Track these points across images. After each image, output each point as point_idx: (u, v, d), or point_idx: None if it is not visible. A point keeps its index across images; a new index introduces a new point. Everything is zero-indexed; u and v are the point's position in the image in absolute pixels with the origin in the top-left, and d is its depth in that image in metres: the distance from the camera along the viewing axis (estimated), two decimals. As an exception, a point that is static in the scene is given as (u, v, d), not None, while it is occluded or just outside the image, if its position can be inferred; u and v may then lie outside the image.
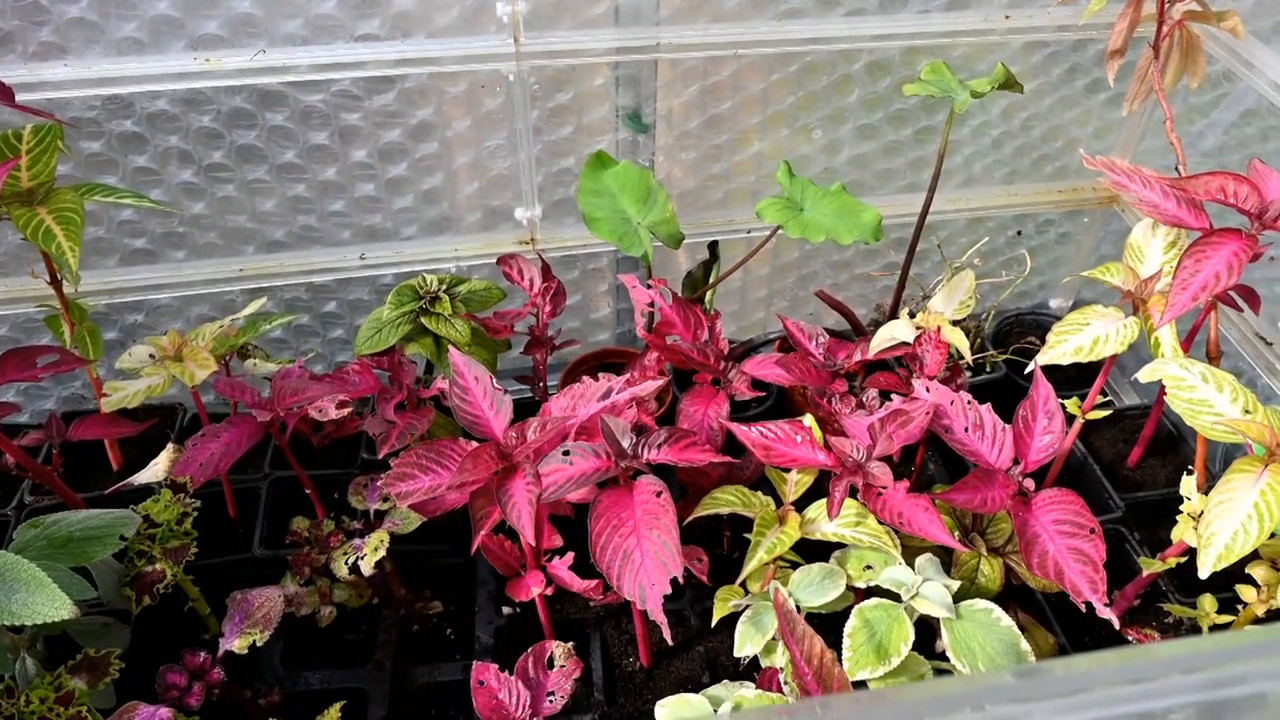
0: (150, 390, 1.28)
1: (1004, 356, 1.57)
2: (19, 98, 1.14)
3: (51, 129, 1.18)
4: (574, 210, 1.56)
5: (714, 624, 1.20)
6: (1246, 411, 1.03)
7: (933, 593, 1.08)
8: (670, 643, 1.03)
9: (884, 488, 1.11)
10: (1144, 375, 1.08)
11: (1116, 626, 1.01)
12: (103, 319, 1.54)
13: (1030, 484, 1.15)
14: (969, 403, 1.20)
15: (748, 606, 1.16)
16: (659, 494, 1.06)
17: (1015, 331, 1.67)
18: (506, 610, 1.37)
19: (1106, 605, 1.01)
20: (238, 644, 1.10)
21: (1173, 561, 1.15)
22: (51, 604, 0.93)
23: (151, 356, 1.34)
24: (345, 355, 1.67)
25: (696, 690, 1.28)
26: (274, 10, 1.30)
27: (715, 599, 1.23)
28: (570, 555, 1.21)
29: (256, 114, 1.40)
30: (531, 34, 1.30)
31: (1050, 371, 1.21)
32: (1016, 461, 1.16)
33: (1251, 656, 0.64)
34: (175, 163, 1.44)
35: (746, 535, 1.17)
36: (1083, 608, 1.03)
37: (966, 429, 1.19)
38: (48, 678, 1.06)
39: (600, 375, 1.21)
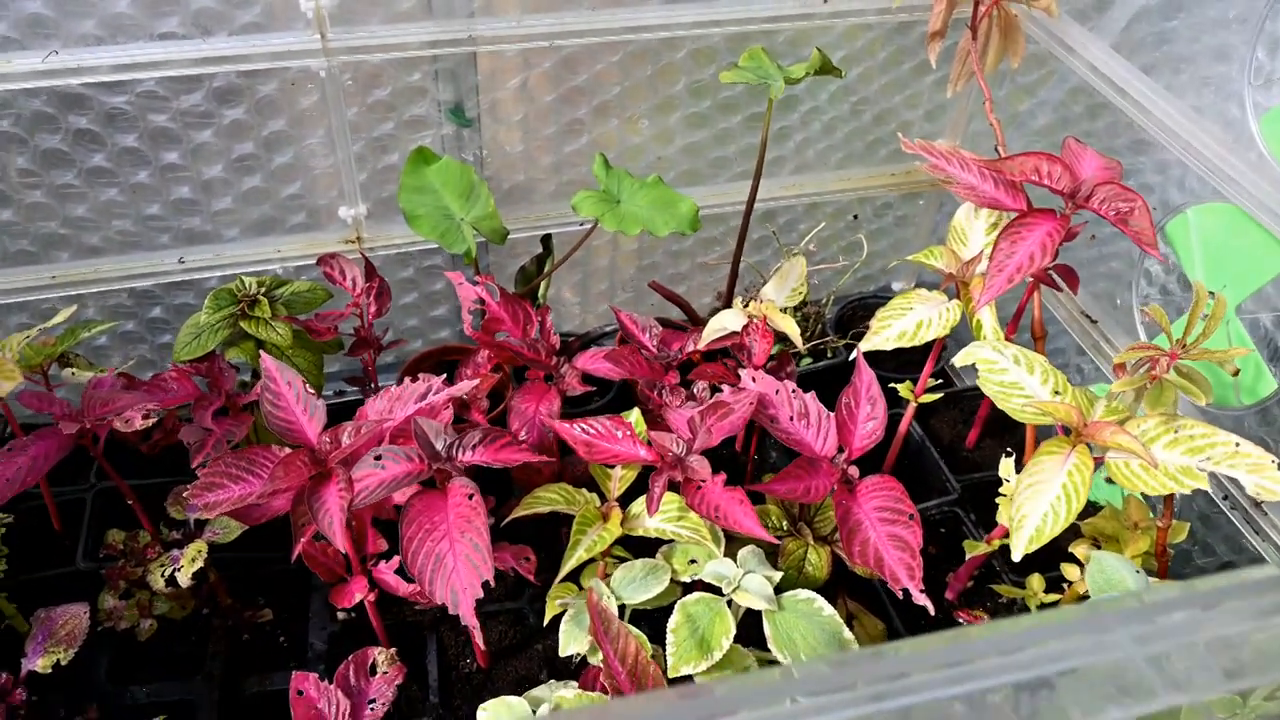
0: None
1: (844, 342, 1.49)
2: None
3: None
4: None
5: (547, 623, 1.10)
6: (1056, 393, 0.96)
7: (753, 585, 1.00)
8: (483, 647, 0.92)
9: (703, 481, 1.01)
10: (959, 359, 1.01)
11: (931, 612, 0.94)
12: None
13: (855, 471, 1.08)
14: (794, 392, 1.12)
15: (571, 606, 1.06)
16: (470, 496, 0.96)
17: (859, 315, 1.61)
18: (341, 615, 1.26)
19: (922, 591, 0.93)
20: (40, 663, 1.00)
21: (997, 544, 1.09)
22: None
23: None
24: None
25: (534, 686, 1.19)
26: (65, 10, 1.15)
27: (548, 598, 1.12)
28: (396, 559, 1.09)
29: (59, 117, 1.25)
30: (339, 29, 1.17)
31: (892, 356, 1.13)
32: (841, 449, 1.08)
33: (1065, 634, 0.60)
34: (-24, 168, 1.26)
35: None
36: (900, 594, 0.95)
37: (792, 418, 1.11)
38: None
39: (420, 376, 1.09)
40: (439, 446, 1.00)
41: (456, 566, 0.94)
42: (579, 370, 1.26)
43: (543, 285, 1.37)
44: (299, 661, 1.22)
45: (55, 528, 1.32)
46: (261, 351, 1.08)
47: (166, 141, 1.28)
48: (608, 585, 1.04)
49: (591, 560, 1.06)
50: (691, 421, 1.05)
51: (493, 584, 0.93)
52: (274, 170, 1.35)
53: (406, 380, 1.11)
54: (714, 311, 1.53)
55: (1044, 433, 1.39)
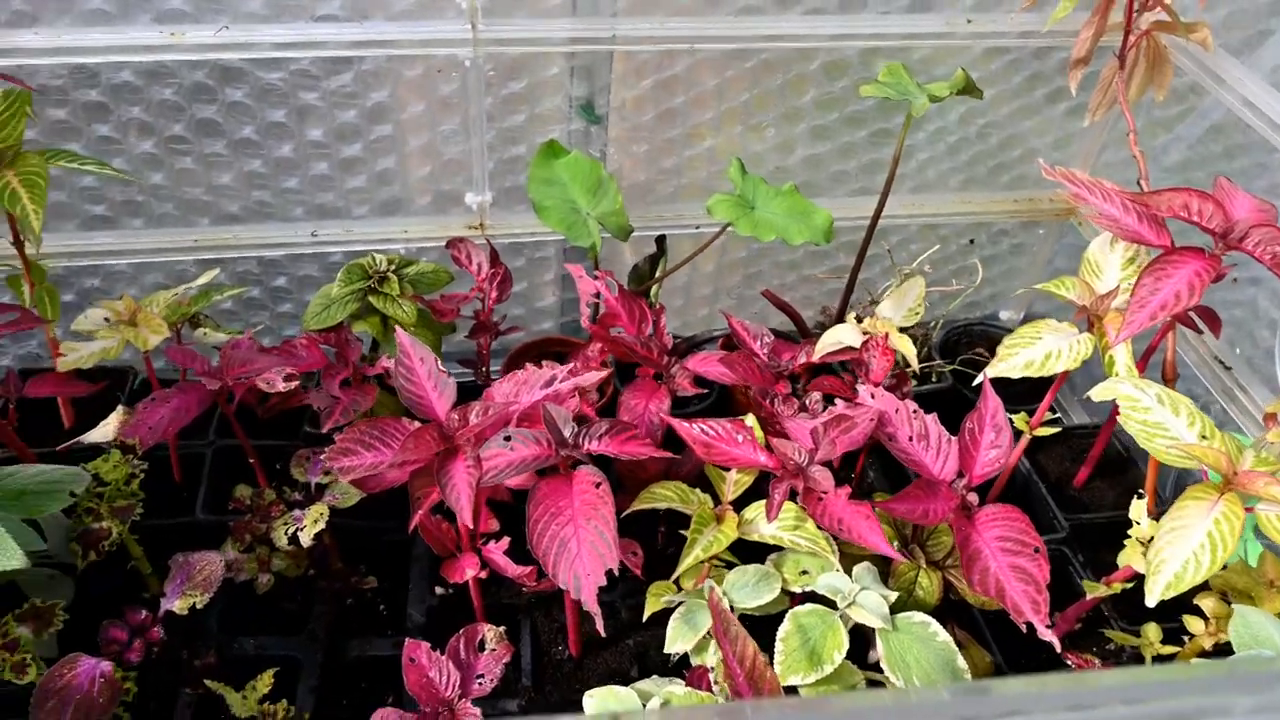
0: (105, 353, 1.20)
1: (951, 367, 1.46)
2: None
3: (20, 95, 1.11)
4: (524, 198, 1.44)
5: (645, 619, 1.09)
6: (1203, 437, 0.92)
7: (869, 602, 0.98)
8: (603, 634, 0.93)
9: (824, 492, 1.00)
10: (1097, 393, 0.97)
11: (1058, 649, 0.91)
12: (60, 281, 1.42)
13: (974, 498, 1.05)
14: (914, 412, 1.09)
15: (681, 603, 1.04)
16: (598, 485, 0.95)
17: (964, 342, 1.57)
18: (439, 590, 1.26)
19: (1048, 627, 0.90)
20: (178, 604, 1.02)
21: (1117, 587, 1.05)
22: (3, 553, 0.87)
23: (106, 320, 1.25)
24: (292, 329, 1.55)
25: (624, 683, 1.18)
26: (237, -14, 1.17)
27: (648, 594, 1.13)
28: (506, 540, 1.11)
29: (217, 89, 1.27)
30: (489, 20, 1.18)
31: (999, 385, 1.10)
32: (961, 474, 1.06)
33: (1197, 692, 0.56)
34: (136, 133, 1.32)
35: (682, 532, 1.07)
36: (1023, 628, 0.93)
37: (911, 438, 1.09)
38: None
39: (543, 363, 1.09)
40: (566, 433, 0.99)
41: (580, 552, 0.93)
42: (691, 371, 1.25)
43: (655, 285, 1.36)
44: (397, 630, 1.23)
45: (175, 479, 1.35)
46: (397, 326, 1.09)
47: (313, 119, 1.30)
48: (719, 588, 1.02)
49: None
50: (815, 432, 1.04)
51: (617, 572, 0.92)
52: (408, 153, 1.36)
53: (528, 366, 1.11)
54: (821, 325, 1.52)
55: (1163, 480, 1.34)
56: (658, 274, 1.37)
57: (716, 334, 1.44)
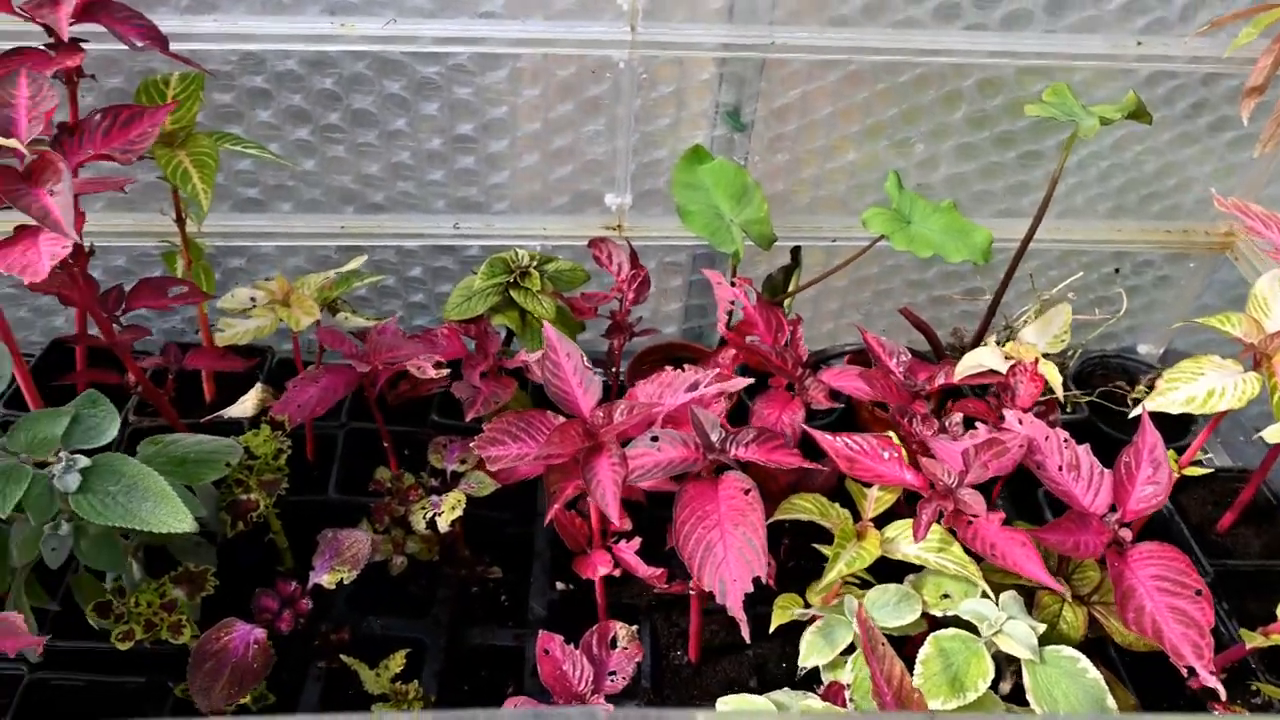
0: (258, 331, 1.24)
1: (1089, 398, 1.41)
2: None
3: (196, 78, 1.16)
4: (661, 201, 1.44)
5: (770, 631, 1.07)
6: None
7: (1017, 631, 0.95)
8: (748, 640, 0.91)
9: (975, 516, 0.97)
10: (1271, 434, 0.92)
11: (1222, 696, 0.87)
12: (208, 260, 1.45)
13: (1127, 534, 1.01)
14: (1066, 441, 1.06)
15: (815, 618, 1.03)
16: (747, 491, 0.95)
17: (1098, 373, 1.52)
18: (560, 586, 1.27)
19: (1212, 673, 0.86)
20: (327, 579, 1.05)
21: (1277, 638, 1.00)
22: (175, 516, 0.90)
23: (252, 299, 1.29)
24: (422, 320, 1.58)
25: (743, 692, 1.17)
26: (405, -18, 1.20)
27: (775, 606, 1.11)
28: (638, 540, 1.10)
29: (375, 80, 1.31)
30: (649, 23, 1.19)
31: (1130, 420, 1.06)
32: (1113, 509, 1.02)
33: None
34: (294, 120, 1.37)
35: (813, 545, 1.04)
36: (1184, 672, 0.89)
37: (1061, 467, 1.06)
38: (152, 584, 1.03)
39: (680, 367, 1.09)
40: (714, 438, 0.99)
41: (727, 557, 0.93)
42: (826, 385, 1.23)
43: (790, 297, 1.35)
44: (518, 623, 1.24)
45: (308, 458, 1.38)
46: (545, 322, 1.10)
47: (464, 113, 1.33)
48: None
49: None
50: (966, 454, 1.01)
51: (765, 580, 0.91)
52: (551, 151, 1.38)
53: (666, 369, 1.11)
54: (950, 348, 1.49)
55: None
56: (791, 286, 1.36)
57: (848, 348, 1.42)
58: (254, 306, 1.26)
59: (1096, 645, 1.14)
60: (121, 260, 1.52)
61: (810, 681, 1.13)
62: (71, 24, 1.00)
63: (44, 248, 0.85)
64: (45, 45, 1.02)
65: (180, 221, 1.26)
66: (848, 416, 1.48)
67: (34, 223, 0.85)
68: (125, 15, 1.07)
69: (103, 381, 1.29)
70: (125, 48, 1.03)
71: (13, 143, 0.87)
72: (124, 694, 1.08)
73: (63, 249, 0.84)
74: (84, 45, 1.04)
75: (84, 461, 0.88)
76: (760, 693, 1.17)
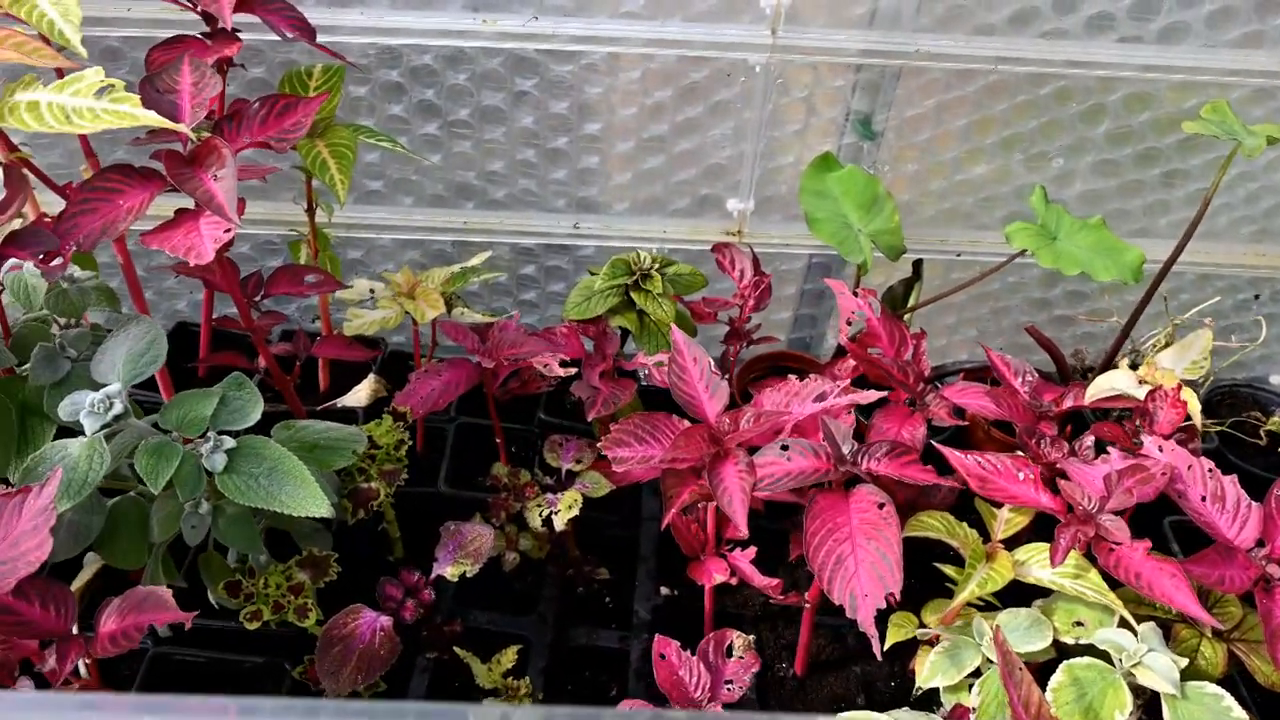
0: (384, 322, 1.25)
1: (1220, 428, 1.35)
2: (312, 40, 1.13)
3: (338, 70, 1.18)
4: (782, 208, 1.43)
5: (884, 648, 1.05)
6: None
7: (1158, 664, 0.92)
8: (879, 657, 0.89)
9: (1119, 543, 0.94)
10: None
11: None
12: (336, 252, 1.49)
13: (1276, 570, 0.96)
14: (1210, 470, 1.02)
15: (937, 638, 1.01)
16: (882, 506, 0.94)
17: (1227, 403, 1.46)
18: (664, 591, 1.26)
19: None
20: (450, 570, 1.07)
21: None
22: (314, 500, 0.91)
23: (371, 290, 1.30)
24: (531, 318, 1.60)
25: (850, 710, 1.15)
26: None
27: (890, 624, 1.08)
28: (753, 549, 1.08)
29: (507, 77, 1.33)
30: (790, 27, 1.18)
31: (1256, 453, 1.01)
32: (1261, 543, 0.97)
33: None
34: (424, 115, 1.39)
35: (934, 564, 1.03)
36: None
37: (1204, 498, 1.01)
38: (279, 567, 1.05)
39: (796, 376, 1.08)
40: (845, 450, 0.98)
41: (859, 571, 0.91)
42: (949, 401, 1.21)
43: (912, 311, 1.33)
44: (622, 625, 1.24)
45: (418, 450, 1.40)
46: (674, 325, 1.09)
47: (592, 113, 1.34)
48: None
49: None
50: (1108, 479, 0.98)
51: (896, 597, 0.89)
52: (676, 154, 1.38)
53: (790, 379, 1.10)
54: (1074, 369, 1.45)
55: None
56: (912, 299, 1.34)
57: (966, 365, 1.39)
58: (373, 298, 1.28)
59: (1229, 685, 1.09)
60: (246, 247, 1.56)
61: (927, 703, 1.11)
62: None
63: (206, 231, 0.87)
64: (202, 34, 1.06)
65: (310, 211, 1.29)
66: (960, 436, 1.44)
67: (194, 206, 0.88)
68: (278, 6, 1.09)
69: (228, 365, 1.32)
70: (268, 38, 1.06)
71: (181, 127, 0.89)
72: (242, 672, 1.11)
73: (225, 233, 0.87)
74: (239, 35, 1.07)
75: (230, 442, 0.91)
76: (869, 710, 1.16)
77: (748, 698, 1.14)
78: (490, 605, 1.22)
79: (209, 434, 0.90)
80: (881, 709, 1.16)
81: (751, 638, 1.03)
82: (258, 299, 1.15)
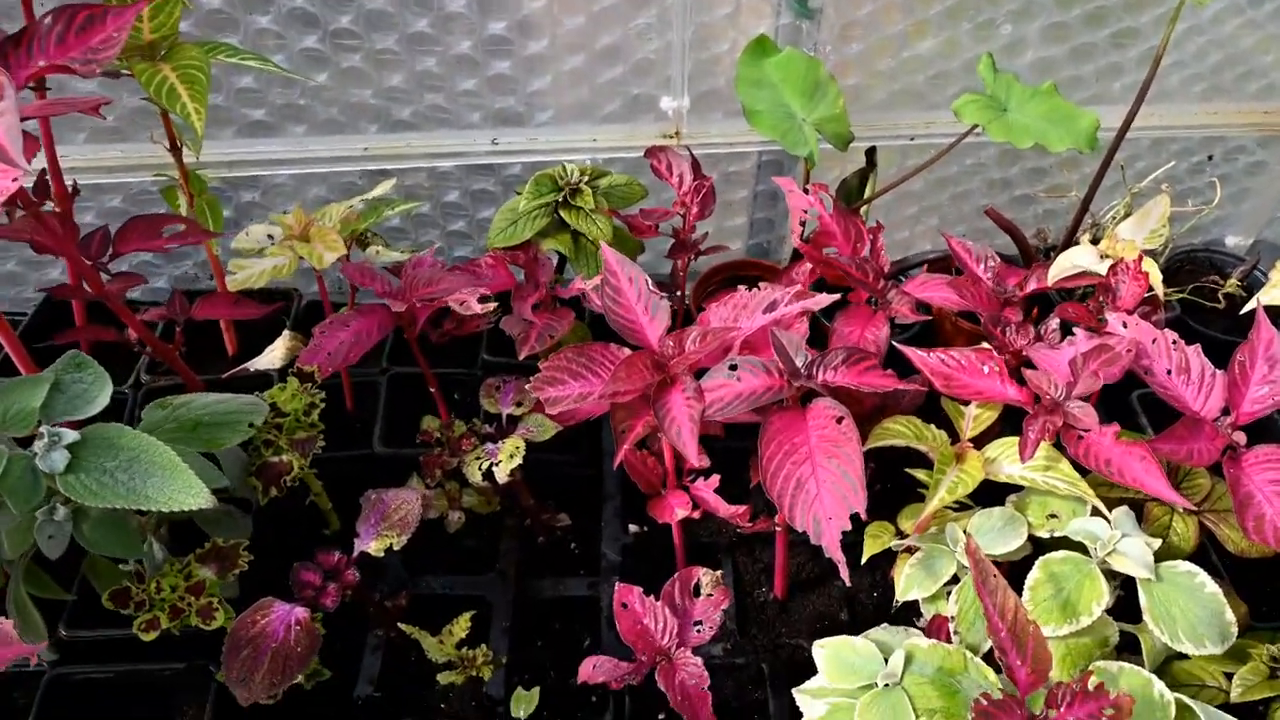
0: (276, 271, 1.22)
1: (1180, 295, 1.42)
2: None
3: None
4: (721, 104, 1.44)
5: (862, 562, 1.11)
6: None
7: (1132, 550, 0.99)
8: (848, 582, 0.94)
9: (1087, 430, 0.99)
10: None
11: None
12: (216, 195, 1.45)
13: (1241, 438, 1.03)
14: (1174, 343, 1.08)
15: (911, 549, 1.07)
16: (840, 420, 0.97)
17: (1186, 269, 1.53)
18: (633, 528, 1.31)
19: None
20: (373, 546, 1.06)
21: None
22: (188, 491, 0.86)
23: (270, 237, 1.27)
24: (464, 250, 1.58)
25: (835, 628, 1.22)
26: None
27: (866, 535, 1.14)
28: (716, 477, 1.13)
29: (389, -26, 1.28)
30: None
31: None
32: (1225, 412, 1.04)
33: None
34: (299, 26, 1.34)
35: (906, 470, 1.10)
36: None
37: (1169, 372, 1.07)
38: (176, 565, 1.03)
39: (752, 286, 1.10)
40: (799, 362, 1.01)
41: (820, 493, 0.95)
42: (911, 297, 1.25)
43: (868, 202, 1.35)
44: (590, 570, 1.28)
45: (348, 408, 1.41)
46: (604, 243, 1.11)
47: (497, 9, 1.31)
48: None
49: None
50: (1074, 363, 1.03)
51: (864, 516, 0.94)
52: (598, 50, 1.36)
53: (739, 290, 1.13)
54: (1036, 249, 1.50)
55: None
56: (868, 191, 1.36)
57: (929, 255, 1.43)
58: (272, 245, 1.24)
59: (1201, 556, 1.17)
60: (117, 200, 1.51)
61: (908, 613, 1.18)
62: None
63: (-11, 182, 0.78)
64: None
65: (175, 151, 1.22)
66: (927, 331, 1.50)
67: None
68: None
69: (105, 340, 1.27)
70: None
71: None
72: (159, 683, 1.08)
73: (12, 182, 0.78)
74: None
75: (71, 436, 0.84)
76: (853, 627, 1.22)
77: (728, 628, 1.21)
78: (445, 568, 1.25)
79: (41, 429, 0.83)
80: (865, 622, 1.23)
81: (720, 573, 1.08)
82: (105, 259, 1.09)
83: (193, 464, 0.89)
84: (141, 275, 1.15)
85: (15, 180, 0.78)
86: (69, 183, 1.21)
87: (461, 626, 1.09)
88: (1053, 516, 1.05)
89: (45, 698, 1.07)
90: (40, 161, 1.15)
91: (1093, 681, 0.86)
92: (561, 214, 1.25)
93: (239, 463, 1.12)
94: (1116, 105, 1.21)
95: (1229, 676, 1.01)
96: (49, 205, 1.08)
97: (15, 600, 0.97)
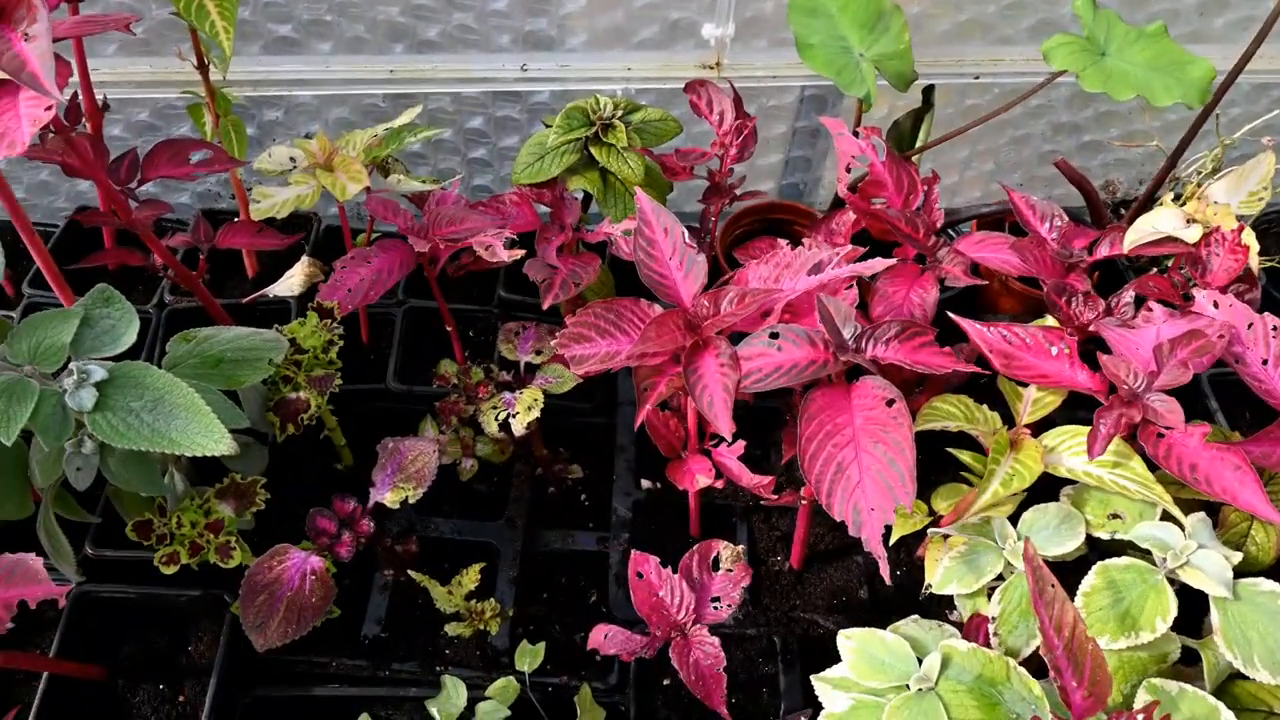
0: (299, 200, 1.08)
1: (1269, 263, 1.18)
2: None
3: None
4: (766, 32, 1.22)
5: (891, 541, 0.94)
6: None
7: (1209, 564, 0.81)
8: (889, 582, 0.77)
9: (1169, 428, 0.79)
10: None
11: None
12: (241, 113, 1.29)
13: (1340, 440, 0.83)
14: (1274, 329, 0.87)
15: (950, 537, 0.89)
16: (890, 402, 0.80)
17: (1273, 232, 1.28)
18: (645, 484, 1.16)
19: None
20: (389, 497, 0.95)
21: None
22: (209, 435, 0.78)
23: (293, 160, 1.12)
24: (484, 179, 1.39)
25: (850, 604, 1.06)
26: None
27: (896, 512, 0.95)
28: (740, 444, 0.96)
29: (422, -120, 1.07)
30: None
31: None
32: (1324, 409, 0.84)
33: None
34: (325, -65, 1.13)
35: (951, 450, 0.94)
36: None
37: (1265, 361, 0.87)
38: (196, 499, 0.94)
39: (785, 235, 0.91)
40: (847, 335, 0.82)
41: (862, 481, 0.79)
42: (965, 257, 1.04)
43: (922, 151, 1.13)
44: (600, 524, 1.14)
45: (363, 340, 1.25)
46: (639, 189, 0.91)
47: (531, -78, 1.09)
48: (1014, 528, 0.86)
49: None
50: (1159, 351, 0.83)
51: (909, 510, 0.76)
52: (636, -30, 1.14)
53: (781, 246, 0.93)
54: (1108, 204, 1.26)
55: None
56: (922, 135, 1.14)
57: (981, 209, 1.20)
58: (294, 168, 1.09)
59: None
60: (144, 114, 1.36)
61: (935, 602, 1.01)
62: None
63: (25, 110, 0.69)
64: None
65: (203, 68, 1.09)
66: (970, 290, 1.28)
67: (6, 77, 0.68)
68: None
69: (131, 264, 1.18)
70: None
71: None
72: (178, 608, 1.01)
73: (46, 111, 0.68)
74: None
75: (99, 374, 0.76)
76: (872, 606, 1.06)
77: (740, 596, 1.05)
78: (454, 511, 1.13)
79: (71, 365, 0.76)
80: (886, 602, 1.08)
81: (741, 548, 0.92)
82: (133, 185, 0.96)
83: (215, 403, 0.81)
84: (168, 203, 1.04)
85: (49, 109, 0.70)
86: (99, 98, 1.10)
87: (471, 578, 0.98)
88: (1115, 516, 0.87)
89: (71, 614, 0.98)
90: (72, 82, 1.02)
91: (1159, 713, 0.69)
92: (591, 150, 1.05)
93: (258, 397, 1.02)
94: (1218, 45, 0.96)
95: (1300, 701, 0.83)
96: (81, 125, 0.98)
97: (45, 526, 0.91)
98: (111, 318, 0.78)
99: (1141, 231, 1.02)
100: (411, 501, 0.93)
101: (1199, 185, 1.10)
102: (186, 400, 0.76)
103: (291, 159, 1.12)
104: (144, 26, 1.23)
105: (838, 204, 1.16)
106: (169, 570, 0.88)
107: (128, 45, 1.24)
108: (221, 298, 1.20)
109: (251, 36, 1.25)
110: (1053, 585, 0.74)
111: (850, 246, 0.91)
